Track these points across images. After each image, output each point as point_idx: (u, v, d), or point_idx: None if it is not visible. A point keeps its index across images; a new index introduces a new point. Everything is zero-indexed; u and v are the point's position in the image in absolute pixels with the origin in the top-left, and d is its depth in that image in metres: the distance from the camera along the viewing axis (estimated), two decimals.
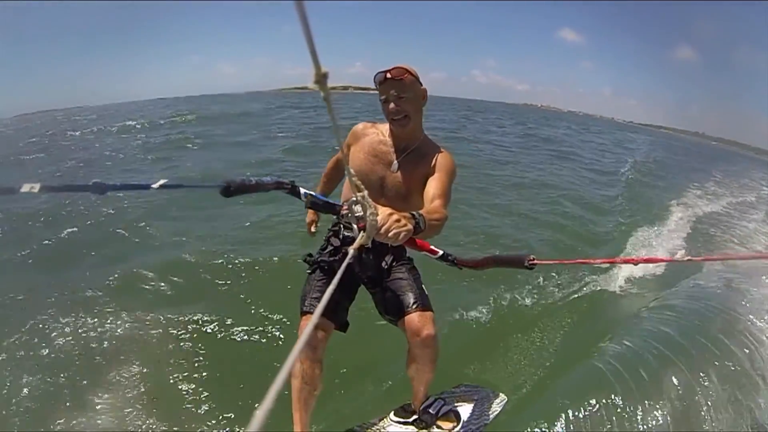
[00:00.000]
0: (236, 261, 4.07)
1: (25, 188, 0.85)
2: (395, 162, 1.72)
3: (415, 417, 1.90)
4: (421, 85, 1.68)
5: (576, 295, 3.91)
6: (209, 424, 2.31)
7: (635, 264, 1.25)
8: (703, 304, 3.42)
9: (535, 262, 1.44)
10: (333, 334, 1.74)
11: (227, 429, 2.27)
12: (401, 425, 1.92)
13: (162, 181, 1.08)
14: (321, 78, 0.49)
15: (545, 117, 45.31)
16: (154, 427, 2.29)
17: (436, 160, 1.70)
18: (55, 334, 3.01)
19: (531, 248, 5.05)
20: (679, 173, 13.29)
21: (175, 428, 2.28)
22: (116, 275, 3.79)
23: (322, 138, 12.01)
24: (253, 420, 0.33)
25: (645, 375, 2.50)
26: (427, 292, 1.73)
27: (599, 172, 11.45)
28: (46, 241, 4.69)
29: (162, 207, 5.76)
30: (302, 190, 1.48)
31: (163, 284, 3.73)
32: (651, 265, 4.79)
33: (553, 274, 4.18)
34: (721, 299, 3.45)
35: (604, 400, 2.32)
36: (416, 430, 1.89)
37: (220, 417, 2.34)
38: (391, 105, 1.64)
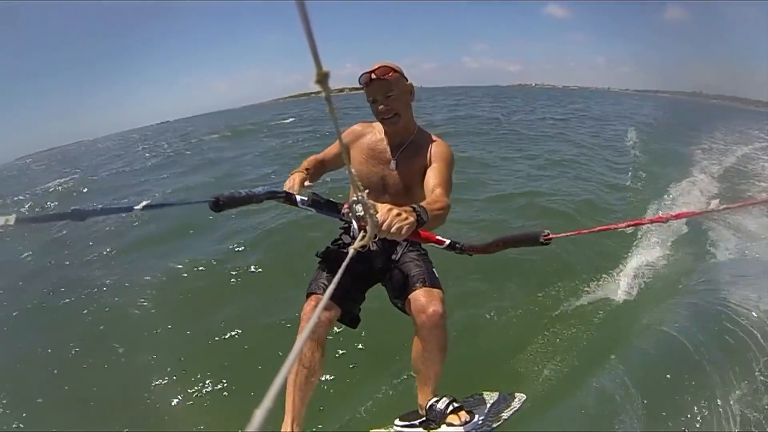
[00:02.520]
0: (236, 258, 4.18)
1: (0, 221, 0.80)
2: (393, 160, 1.74)
3: (422, 419, 1.69)
4: (407, 80, 1.70)
5: (594, 289, 3.71)
6: (209, 422, 2.28)
7: (665, 221, 1.18)
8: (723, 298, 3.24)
9: (551, 237, 1.32)
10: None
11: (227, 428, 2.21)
12: (407, 428, 1.73)
13: (145, 202, 1.05)
14: (322, 78, 0.48)
15: (575, 95, 45.37)
16: (153, 426, 2.30)
17: (431, 150, 1.71)
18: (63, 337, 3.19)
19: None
20: (688, 131, 13.44)
21: (173, 427, 2.29)
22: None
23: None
24: (252, 420, 0.31)
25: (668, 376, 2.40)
26: (437, 275, 1.68)
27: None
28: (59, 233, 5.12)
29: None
30: (298, 197, 1.41)
31: (164, 283, 3.93)
32: (673, 243, 4.50)
33: (570, 264, 4.04)
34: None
35: (627, 403, 2.22)
36: (424, 431, 1.67)
37: (221, 415, 2.31)
38: (381, 106, 1.66)
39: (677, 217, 1.20)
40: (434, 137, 1.77)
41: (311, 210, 1.46)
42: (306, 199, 1.45)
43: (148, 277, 4.17)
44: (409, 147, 1.74)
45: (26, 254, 5.31)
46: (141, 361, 2.81)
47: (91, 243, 5.46)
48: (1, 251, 5.56)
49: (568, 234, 1.43)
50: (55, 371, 2.90)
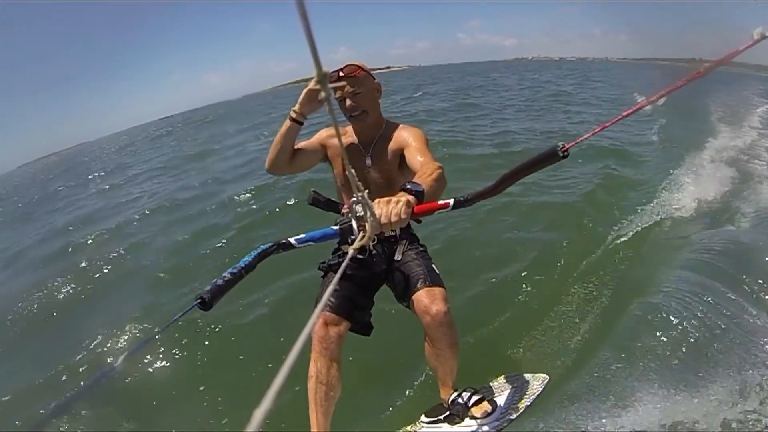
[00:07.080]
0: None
1: None
2: (367, 157, 1.77)
3: (446, 413, 1.76)
4: (374, 79, 1.74)
5: (612, 250, 3.57)
6: (209, 423, 2.29)
7: (705, 74, 0.93)
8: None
9: (568, 147, 1.16)
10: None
11: (227, 429, 2.23)
12: (433, 425, 1.77)
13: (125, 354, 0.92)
14: (322, 78, 0.49)
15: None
16: (153, 425, 2.32)
17: (401, 136, 1.74)
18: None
19: None
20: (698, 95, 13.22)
21: (173, 427, 2.29)
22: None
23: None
24: (251, 420, 0.31)
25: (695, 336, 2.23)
26: (438, 272, 1.69)
27: None
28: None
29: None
30: (293, 239, 1.34)
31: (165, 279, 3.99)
32: (696, 197, 4.37)
33: (586, 224, 3.96)
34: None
35: (652, 373, 2.10)
36: (449, 426, 1.72)
37: (220, 416, 2.31)
38: (348, 102, 1.68)
39: (719, 62, 0.95)
40: (401, 125, 1.80)
41: (311, 243, 1.37)
42: (302, 236, 1.37)
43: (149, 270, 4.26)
44: (379, 141, 1.77)
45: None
46: (140, 361, 2.82)
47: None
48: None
49: (586, 136, 1.25)
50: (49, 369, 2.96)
